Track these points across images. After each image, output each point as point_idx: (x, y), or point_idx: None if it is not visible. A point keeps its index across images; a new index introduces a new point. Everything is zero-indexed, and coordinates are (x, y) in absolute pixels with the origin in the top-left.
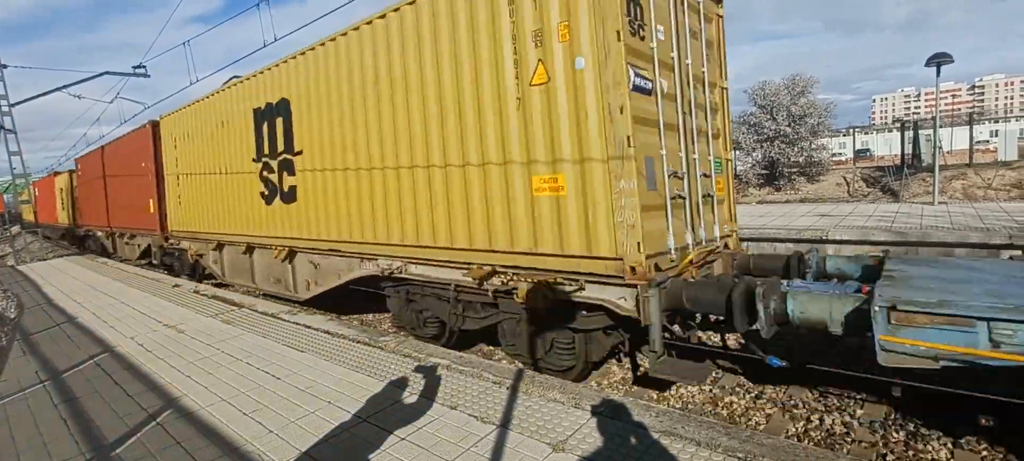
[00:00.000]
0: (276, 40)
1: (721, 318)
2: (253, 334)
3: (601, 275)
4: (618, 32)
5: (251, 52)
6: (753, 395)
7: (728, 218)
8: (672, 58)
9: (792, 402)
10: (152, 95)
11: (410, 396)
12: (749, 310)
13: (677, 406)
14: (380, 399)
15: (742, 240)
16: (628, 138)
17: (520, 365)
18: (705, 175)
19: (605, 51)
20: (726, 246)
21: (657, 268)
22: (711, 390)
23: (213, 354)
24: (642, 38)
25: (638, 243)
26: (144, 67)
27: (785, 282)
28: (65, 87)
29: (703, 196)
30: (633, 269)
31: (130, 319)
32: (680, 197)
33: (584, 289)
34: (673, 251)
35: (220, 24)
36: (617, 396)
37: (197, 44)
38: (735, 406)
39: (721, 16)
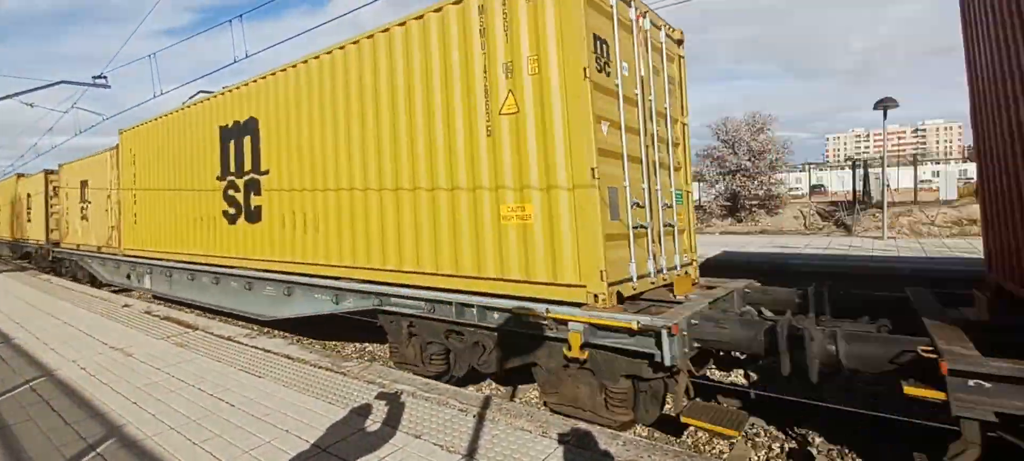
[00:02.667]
0: (248, 57)
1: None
2: (208, 358)
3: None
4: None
5: (221, 67)
6: None
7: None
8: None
9: (754, 430)
10: (112, 106)
11: (373, 424)
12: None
13: (643, 434)
14: (341, 428)
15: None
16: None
17: (487, 393)
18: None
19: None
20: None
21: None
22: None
23: (163, 379)
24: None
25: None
26: (105, 77)
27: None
28: (16, 94)
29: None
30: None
31: (73, 341)
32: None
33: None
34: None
35: (190, 38)
36: (584, 425)
37: (163, 57)
38: (700, 434)
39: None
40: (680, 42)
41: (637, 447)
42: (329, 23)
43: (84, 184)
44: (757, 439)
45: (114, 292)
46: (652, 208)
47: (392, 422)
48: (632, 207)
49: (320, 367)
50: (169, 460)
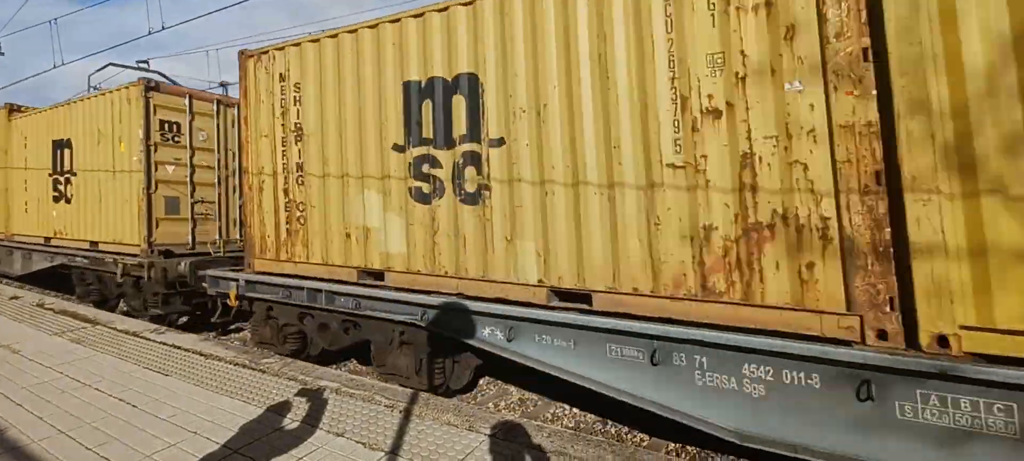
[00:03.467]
0: (164, 28)
1: None
2: (108, 355)
3: None
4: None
5: (134, 38)
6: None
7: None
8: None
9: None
10: (5, 75)
11: (292, 423)
12: None
13: (570, 425)
14: (256, 427)
15: None
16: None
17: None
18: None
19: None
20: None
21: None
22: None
23: (55, 378)
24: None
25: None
26: None
27: None
28: None
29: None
30: None
31: None
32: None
33: None
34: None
35: (97, 4)
36: (513, 417)
37: (66, 24)
38: (622, 425)
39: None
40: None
41: (562, 438)
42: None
43: None
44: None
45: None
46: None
47: (312, 420)
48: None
49: (237, 364)
50: None
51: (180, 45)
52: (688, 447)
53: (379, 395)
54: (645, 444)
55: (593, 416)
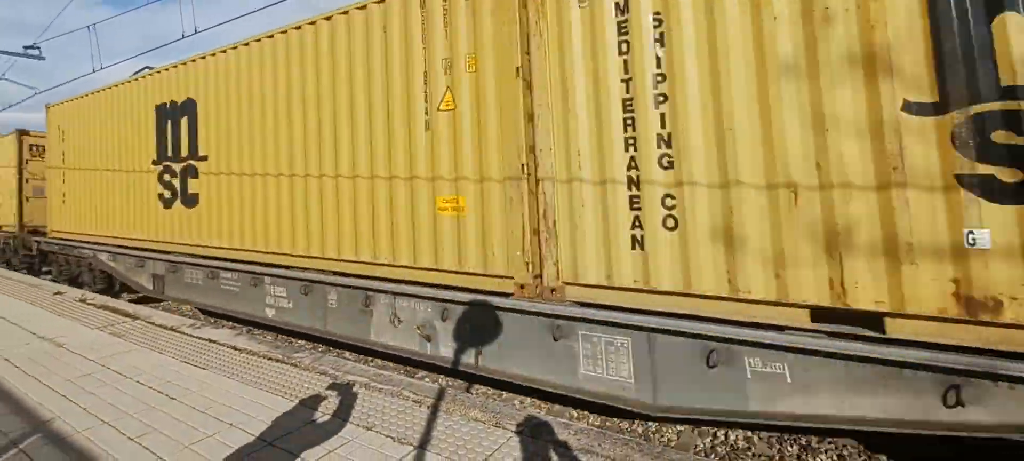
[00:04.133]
0: (197, 32)
1: None
2: (147, 349)
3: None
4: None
5: (168, 42)
6: None
7: None
8: None
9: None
10: (46, 79)
11: (322, 416)
12: None
13: (595, 424)
14: (289, 420)
15: None
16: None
17: (442, 383)
18: None
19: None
20: None
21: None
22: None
23: (97, 371)
24: None
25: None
26: (38, 48)
27: None
28: None
29: None
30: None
31: None
32: None
33: None
34: None
35: (134, 9)
36: (539, 414)
37: (104, 28)
38: (650, 423)
39: None
40: None
41: (589, 435)
42: (282, 1)
43: None
44: (703, 427)
45: (46, 279)
46: None
47: (343, 414)
48: None
49: (270, 358)
50: (101, 456)
51: (208, 46)
52: (718, 447)
53: (406, 390)
54: (673, 443)
55: (617, 417)
